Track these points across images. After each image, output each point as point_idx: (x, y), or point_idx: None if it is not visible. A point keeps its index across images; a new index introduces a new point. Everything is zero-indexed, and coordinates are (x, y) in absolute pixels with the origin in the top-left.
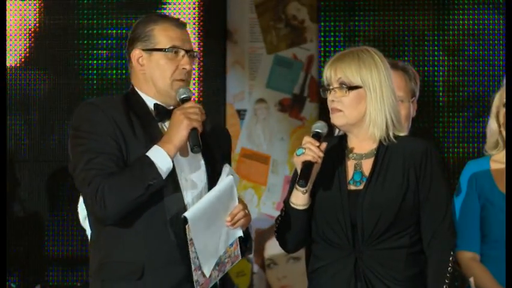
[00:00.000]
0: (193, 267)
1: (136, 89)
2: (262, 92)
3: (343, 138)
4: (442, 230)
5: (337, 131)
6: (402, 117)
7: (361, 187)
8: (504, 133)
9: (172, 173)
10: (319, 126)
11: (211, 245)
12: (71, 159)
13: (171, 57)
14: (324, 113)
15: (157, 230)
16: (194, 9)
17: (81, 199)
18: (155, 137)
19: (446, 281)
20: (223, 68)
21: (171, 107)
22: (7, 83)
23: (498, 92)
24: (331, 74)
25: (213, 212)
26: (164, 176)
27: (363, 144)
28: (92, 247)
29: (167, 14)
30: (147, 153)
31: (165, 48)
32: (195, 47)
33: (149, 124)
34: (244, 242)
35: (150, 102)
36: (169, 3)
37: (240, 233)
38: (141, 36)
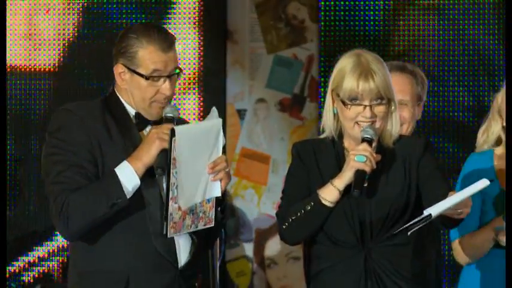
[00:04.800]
0: (170, 195)
1: (118, 94)
2: (262, 91)
3: (339, 139)
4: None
5: (324, 132)
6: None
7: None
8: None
9: (155, 183)
10: (371, 133)
11: (191, 180)
12: (43, 165)
13: (152, 82)
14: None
15: (142, 238)
16: (194, 9)
17: None
18: (134, 142)
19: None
20: (223, 68)
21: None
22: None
23: (500, 92)
24: (365, 87)
25: (198, 144)
26: (129, 195)
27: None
28: (70, 258)
29: (154, 24)
30: (116, 169)
31: (146, 76)
32: (195, 47)
33: (128, 130)
34: (220, 209)
35: (131, 109)
36: (169, 3)
37: (219, 193)
38: (126, 53)
